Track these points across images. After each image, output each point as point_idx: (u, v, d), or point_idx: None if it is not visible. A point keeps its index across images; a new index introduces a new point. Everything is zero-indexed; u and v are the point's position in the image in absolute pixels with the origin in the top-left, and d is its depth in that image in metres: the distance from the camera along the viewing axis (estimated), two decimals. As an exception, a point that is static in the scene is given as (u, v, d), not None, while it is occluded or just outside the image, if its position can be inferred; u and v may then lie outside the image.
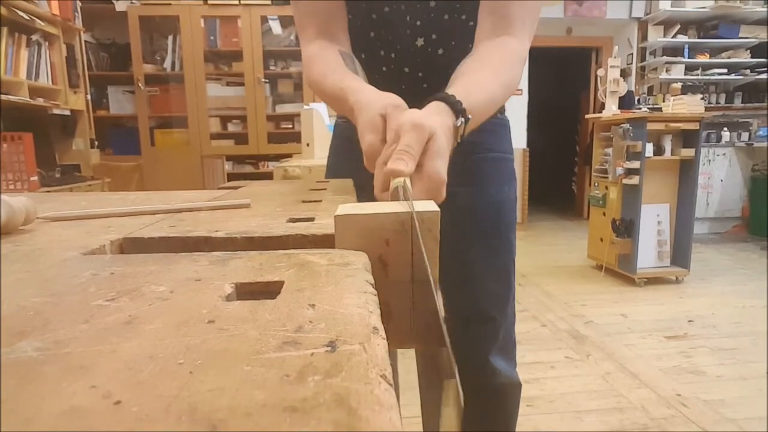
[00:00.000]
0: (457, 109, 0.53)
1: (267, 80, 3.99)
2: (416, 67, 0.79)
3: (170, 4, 3.83)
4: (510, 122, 0.93)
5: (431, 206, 0.32)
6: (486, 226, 0.87)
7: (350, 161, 0.82)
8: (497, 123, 0.88)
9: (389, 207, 0.33)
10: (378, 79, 0.80)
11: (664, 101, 3.43)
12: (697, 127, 2.96)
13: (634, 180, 2.99)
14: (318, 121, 2.46)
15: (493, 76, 0.64)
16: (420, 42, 0.78)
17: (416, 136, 0.45)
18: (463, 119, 0.53)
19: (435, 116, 0.51)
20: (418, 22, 0.77)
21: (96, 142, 3.39)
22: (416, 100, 0.67)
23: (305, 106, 2.57)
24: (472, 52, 0.70)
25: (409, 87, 0.80)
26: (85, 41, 3.54)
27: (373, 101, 0.56)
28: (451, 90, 0.57)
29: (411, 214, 0.31)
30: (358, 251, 0.31)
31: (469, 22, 0.76)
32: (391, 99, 0.56)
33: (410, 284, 0.33)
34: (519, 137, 4.75)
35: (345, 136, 0.90)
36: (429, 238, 0.32)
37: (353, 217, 0.31)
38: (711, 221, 4.75)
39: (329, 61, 0.73)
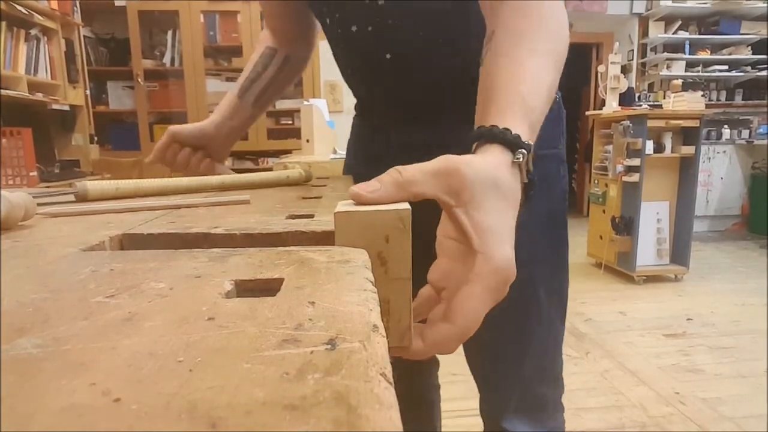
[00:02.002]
0: (508, 141, 0.37)
1: (267, 76, 3.97)
2: (367, 24, 0.65)
3: (170, -2, 3.82)
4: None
5: (404, 204, 0.32)
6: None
7: (367, 162, 0.79)
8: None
9: (388, 204, 0.33)
10: (337, 52, 0.74)
11: (664, 98, 3.43)
12: (698, 125, 2.96)
13: (634, 177, 2.99)
14: (318, 117, 2.45)
15: (538, 51, 0.44)
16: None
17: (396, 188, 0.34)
18: (522, 152, 0.37)
19: (497, 206, 0.35)
20: None
21: (95, 138, 3.39)
22: (377, 70, 0.68)
23: (305, 102, 2.56)
24: (492, 28, 0.49)
25: (367, 53, 0.68)
26: (84, 36, 3.53)
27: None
28: (495, 98, 0.41)
29: (410, 211, 0.32)
30: (358, 248, 0.31)
31: None
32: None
33: (410, 281, 0.33)
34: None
35: (360, 133, 0.85)
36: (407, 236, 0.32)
37: (353, 213, 0.31)
38: (711, 219, 4.75)
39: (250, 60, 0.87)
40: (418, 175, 0.34)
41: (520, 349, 0.70)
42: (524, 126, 0.39)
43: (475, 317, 0.33)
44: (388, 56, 0.66)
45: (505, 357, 0.71)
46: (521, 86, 0.41)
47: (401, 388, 0.76)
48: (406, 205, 0.32)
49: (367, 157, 0.81)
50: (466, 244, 0.34)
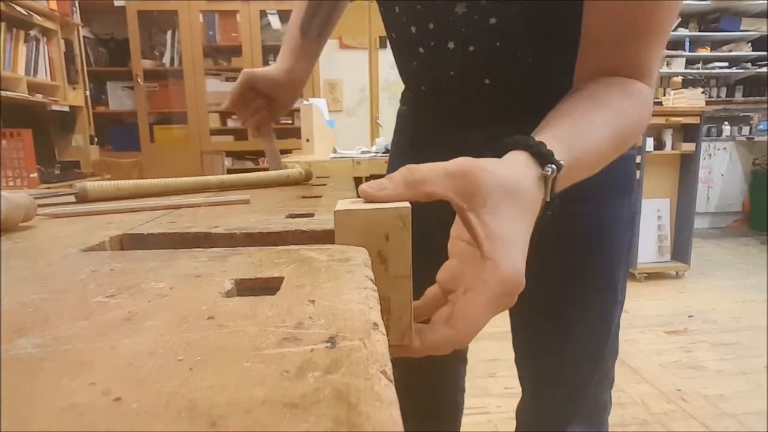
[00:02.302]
0: (539, 153, 0.36)
1: (266, 76, 3.97)
2: (461, 39, 0.60)
3: (169, -1, 3.82)
4: None
5: (405, 203, 0.32)
6: (580, 258, 0.64)
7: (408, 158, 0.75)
8: None
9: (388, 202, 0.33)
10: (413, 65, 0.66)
11: (664, 95, 3.42)
12: (698, 121, 2.96)
13: (637, 175, 2.98)
14: (318, 117, 2.45)
15: (607, 121, 0.43)
16: (461, 8, 0.58)
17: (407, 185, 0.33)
18: (552, 167, 0.36)
19: (516, 213, 0.34)
20: None
21: (95, 139, 3.39)
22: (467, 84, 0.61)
23: (305, 102, 2.56)
24: (579, 86, 0.49)
25: (457, 65, 0.62)
26: (84, 37, 3.53)
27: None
28: (542, 130, 0.41)
29: (410, 209, 0.32)
30: (358, 247, 0.31)
31: None
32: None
33: (410, 279, 0.33)
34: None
35: (402, 130, 0.79)
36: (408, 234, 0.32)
37: (353, 212, 0.31)
38: (711, 216, 4.75)
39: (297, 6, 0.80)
40: (431, 174, 0.33)
41: (599, 357, 0.69)
42: (562, 153, 0.38)
43: (475, 325, 0.32)
44: (486, 81, 0.61)
45: (588, 360, 0.69)
46: (581, 133, 0.41)
47: (430, 391, 0.72)
48: (407, 204, 0.32)
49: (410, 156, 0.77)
50: (478, 248, 0.34)
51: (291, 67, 0.81)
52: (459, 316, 0.32)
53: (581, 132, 0.41)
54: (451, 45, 0.60)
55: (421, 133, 0.74)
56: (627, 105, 0.46)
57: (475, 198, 0.33)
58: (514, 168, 0.35)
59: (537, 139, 0.38)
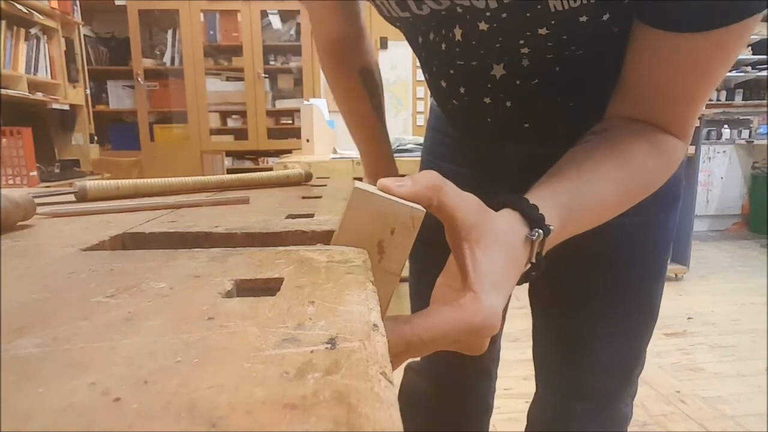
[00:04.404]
0: (529, 216, 0.36)
1: (267, 75, 3.98)
2: (498, 97, 0.58)
3: (170, -2, 3.82)
4: None
5: (421, 207, 0.32)
6: (620, 272, 0.62)
7: (440, 160, 0.74)
8: None
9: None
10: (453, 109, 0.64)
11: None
12: (698, 125, 2.96)
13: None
14: (318, 117, 2.45)
15: (619, 178, 0.42)
16: (499, 71, 0.54)
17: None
18: (539, 231, 0.36)
19: (504, 262, 0.34)
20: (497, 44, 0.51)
21: (95, 137, 3.39)
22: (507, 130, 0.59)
23: (305, 102, 2.56)
24: (605, 126, 0.47)
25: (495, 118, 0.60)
26: (84, 35, 3.52)
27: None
28: (543, 185, 0.41)
29: (423, 215, 0.32)
30: (357, 248, 0.31)
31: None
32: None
33: (398, 278, 0.33)
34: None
35: (434, 127, 0.77)
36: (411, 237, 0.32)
37: (371, 195, 0.31)
38: (711, 219, 4.75)
39: (352, 101, 0.77)
40: (451, 189, 0.33)
41: (634, 367, 0.69)
42: (555, 215, 0.38)
43: (435, 337, 0.30)
44: (526, 125, 0.59)
45: (620, 374, 0.69)
46: (582, 188, 0.41)
47: (467, 391, 0.74)
48: (422, 208, 0.32)
49: (450, 156, 0.75)
50: (462, 282, 0.33)
51: (389, 154, 0.80)
52: (422, 317, 0.31)
53: (584, 189, 0.41)
54: (487, 100, 0.58)
55: (455, 139, 0.73)
56: (650, 161, 0.44)
57: (473, 230, 0.33)
58: (507, 225, 0.36)
59: (535, 195, 0.38)
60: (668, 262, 0.68)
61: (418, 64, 0.74)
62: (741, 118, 4.79)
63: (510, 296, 0.36)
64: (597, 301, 0.65)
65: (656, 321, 0.67)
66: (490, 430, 0.90)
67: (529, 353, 0.77)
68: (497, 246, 0.34)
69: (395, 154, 0.85)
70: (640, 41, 0.44)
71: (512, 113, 0.58)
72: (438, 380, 0.82)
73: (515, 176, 0.57)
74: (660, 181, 0.46)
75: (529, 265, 0.37)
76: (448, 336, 0.31)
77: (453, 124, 0.70)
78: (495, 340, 0.86)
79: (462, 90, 0.59)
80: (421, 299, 0.77)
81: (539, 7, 0.45)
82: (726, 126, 4.66)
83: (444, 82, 0.60)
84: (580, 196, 0.40)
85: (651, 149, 0.45)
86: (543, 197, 0.38)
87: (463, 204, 0.33)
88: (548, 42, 0.49)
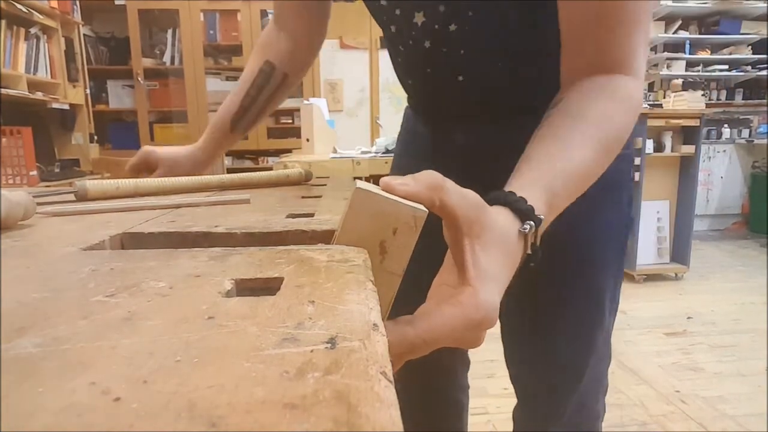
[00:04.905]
0: (519, 210, 0.38)
1: (267, 75, 3.97)
2: (432, 41, 0.62)
3: (170, -3, 3.82)
4: None
5: (423, 207, 0.32)
6: (562, 265, 0.62)
7: (416, 160, 0.76)
8: None
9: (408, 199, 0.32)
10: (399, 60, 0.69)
11: (664, 97, 3.42)
12: (698, 124, 2.96)
13: (635, 177, 2.99)
14: (318, 117, 2.45)
15: (588, 138, 0.44)
16: (419, 18, 0.60)
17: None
18: (530, 224, 0.37)
19: (500, 259, 0.36)
20: None
21: (95, 137, 3.39)
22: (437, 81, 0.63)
23: (305, 101, 2.56)
24: (561, 96, 0.49)
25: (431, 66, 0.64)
26: (84, 35, 3.52)
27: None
28: (524, 169, 0.42)
29: (426, 215, 0.32)
30: (358, 248, 0.31)
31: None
32: None
33: (400, 279, 0.33)
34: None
35: (408, 128, 0.79)
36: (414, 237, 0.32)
37: (373, 195, 0.31)
38: (711, 218, 4.75)
39: (243, 75, 0.85)
40: (452, 187, 0.34)
41: (581, 365, 0.68)
42: (541, 202, 0.39)
43: (437, 337, 0.31)
44: (460, 78, 0.62)
45: (569, 368, 0.68)
46: (557, 164, 0.42)
47: (431, 390, 0.73)
48: (425, 209, 0.32)
49: (415, 156, 0.77)
50: (460, 277, 0.34)
51: (205, 154, 0.85)
52: (424, 317, 0.31)
53: (560, 164, 0.42)
54: (427, 44, 0.62)
55: (416, 133, 0.76)
56: (612, 112, 0.46)
57: (474, 226, 0.34)
58: (503, 219, 0.37)
59: (517, 186, 0.40)
60: (623, 256, 0.68)
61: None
62: (741, 117, 4.79)
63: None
64: (546, 296, 0.66)
65: (615, 312, 0.68)
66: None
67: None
68: (495, 241, 0.35)
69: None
70: None
71: (447, 62, 0.62)
72: (404, 381, 0.83)
73: (468, 162, 0.62)
74: (629, 126, 0.48)
75: (525, 257, 0.38)
76: (449, 334, 0.31)
77: (415, 101, 0.75)
78: None
79: (401, 30, 0.63)
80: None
81: None
82: (726, 125, 4.67)
83: (393, 27, 0.64)
84: (559, 172, 0.42)
85: (609, 101, 0.46)
86: (524, 186, 0.40)
87: (464, 202, 0.34)
88: None
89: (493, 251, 0.34)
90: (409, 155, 0.79)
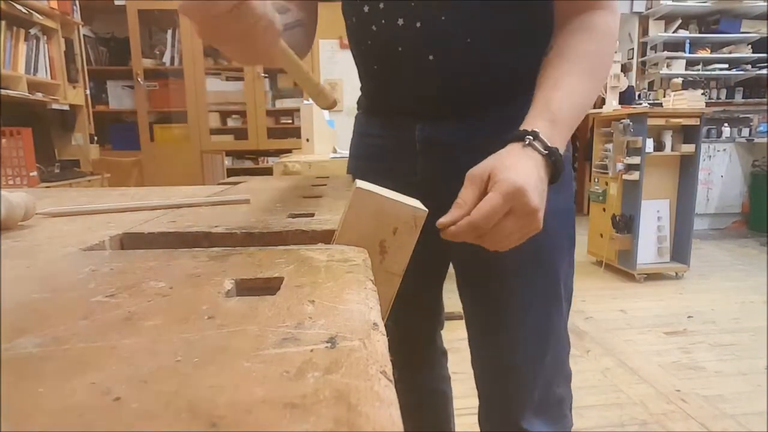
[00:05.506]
0: (516, 135, 0.52)
1: (266, 75, 3.97)
2: (409, 16, 0.66)
3: (169, -2, 3.82)
4: None
5: (423, 207, 0.32)
6: (515, 255, 0.66)
7: (367, 160, 0.78)
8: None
9: (407, 199, 0.33)
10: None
11: (664, 96, 3.42)
12: (698, 123, 2.95)
13: (634, 176, 2.98)
14: (318, 117, 2.45)
15: (582, 73, 0.57)
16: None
17: (471, 191, 0.48)
18: (529, 137, 0.51)
19: (515, 161, 0.49)
20: None
21: (95, 137, 3.39)
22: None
23: (305, 102, 2.56)
24: (555, 42, 0.61)
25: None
26: (84, 35, 3.52)
27: None
28: (533, 109, 0.55)
29: (426, 215, 0.32)
30: (358, 247, 0.31)
31: None
32: None
33: (400, 279, 0.33)
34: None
35: (368, 132, 0.81)
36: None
37: (373, 194, 0.31)
38: (711, 217, 4.75)
39: None
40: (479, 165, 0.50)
41: (543, 346, 0.70)
42: (539, 120, 0.53)
43: (487, 215, 0.44)
44: (430, 57, 0.65)
45: (529, 353, 0.70)
46: (553, 93, 0.55)
47: (411, 381, 0.76)
48: (425, 208, 0.32)
49: (366, 158, 0.79)
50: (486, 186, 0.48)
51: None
52: (474, 208, 0.45)
53: (555, 95, 0.54)
54: (400, 22, 0.66)
55: (369, 135, 0.78)
56: (594, 42, 0.58)
57: (483, 175, 0.48)
58: (508, 151, 0.51)
59: (529, 129, 0.52)
60: (573, 246, 0.73)
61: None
62: (741, 116, 4.79)
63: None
64: (501, 285, 0.70)
65: (567, 302, 0.72)
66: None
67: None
68: (519, 156, 0.49)
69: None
70: None
71: (419, 37, 0.65)
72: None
73: (423, 158, 0.69)
74: (610, 50, 0.61)
75: (551, 164, 0.51)
76: (496, 209, 0.45)
77: (373, 99, 0.77)
78: (433, 335, 0.91)
79: (381, 6, 0.66)
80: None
81: None
82: (726, 124, 4.66)
83: (366, 7, 0.67)
84: (555, 100, 0.54)
85: (590, 34, 0.59)
86: (532, 120, 0.53)
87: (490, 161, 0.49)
88: None
89: (519, 162, 0.48)
90: (363, 158, 0.81)
